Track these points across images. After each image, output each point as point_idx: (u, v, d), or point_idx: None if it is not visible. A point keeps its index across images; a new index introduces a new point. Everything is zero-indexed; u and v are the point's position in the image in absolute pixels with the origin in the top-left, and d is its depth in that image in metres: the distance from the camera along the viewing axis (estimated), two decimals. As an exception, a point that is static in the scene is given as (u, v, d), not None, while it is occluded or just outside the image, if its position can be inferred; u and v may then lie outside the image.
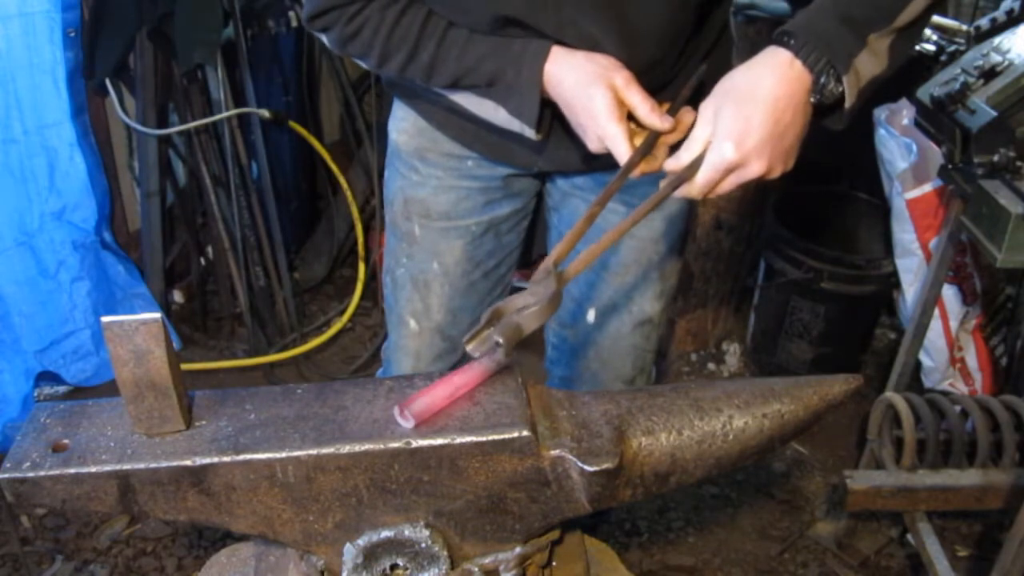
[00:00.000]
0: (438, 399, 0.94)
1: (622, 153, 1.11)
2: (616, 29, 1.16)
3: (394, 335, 1.67)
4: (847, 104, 1.07)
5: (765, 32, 2.47)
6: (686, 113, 1.17)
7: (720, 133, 1.03)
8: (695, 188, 1.06)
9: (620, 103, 1.12)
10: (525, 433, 0.91)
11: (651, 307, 1.58)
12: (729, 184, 1.06)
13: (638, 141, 1.14)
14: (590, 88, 1.12)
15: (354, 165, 3.44)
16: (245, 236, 2.91)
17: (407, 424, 0.92)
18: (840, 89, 1.05)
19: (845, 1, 1.06)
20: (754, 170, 1.04)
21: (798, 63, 1.03)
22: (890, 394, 2.13)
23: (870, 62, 1.07)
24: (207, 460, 0.89)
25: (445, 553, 0.96)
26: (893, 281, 2.60)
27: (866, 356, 2.94)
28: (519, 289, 1.03)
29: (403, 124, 1.50)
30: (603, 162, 1.23)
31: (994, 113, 1.80)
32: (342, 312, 3.17)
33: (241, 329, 3.03)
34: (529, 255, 1.67)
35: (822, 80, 1.04)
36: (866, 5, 1.06)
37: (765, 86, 1.03)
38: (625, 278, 1.54)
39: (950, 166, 1.95)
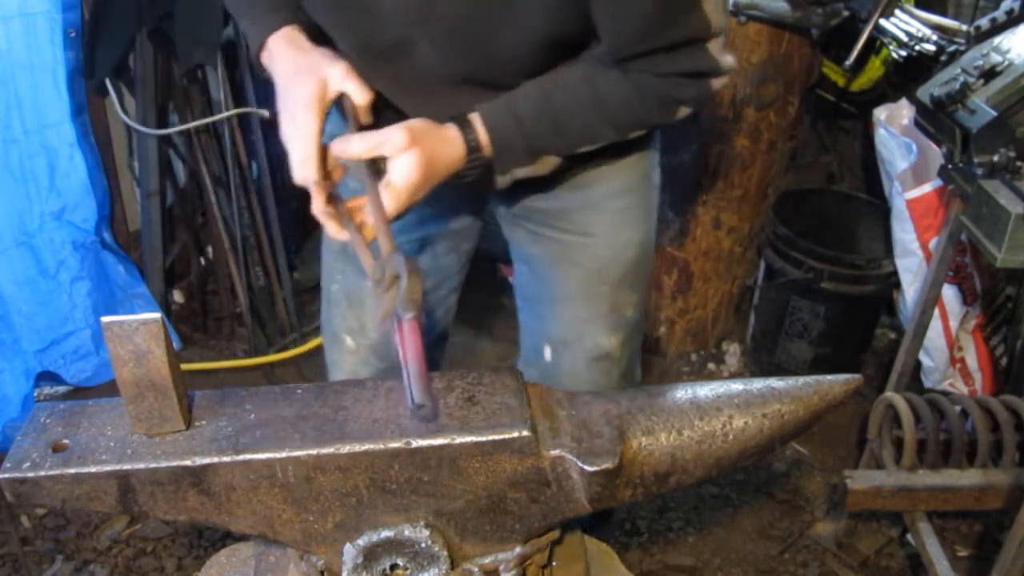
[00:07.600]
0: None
1: (296, 154, 1.07)
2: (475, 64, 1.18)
3: (330, 354, 1.60)
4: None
5: (765, 32, 2.47)
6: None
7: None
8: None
9: (322, 98, 1.09)
10: (525, 433, 0.91)
11: (607, 342, 1.47)
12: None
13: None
14: (304, 76, 1.10)
15: (354, 165, 3.43)
16: (245, 236, 2.91)
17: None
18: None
19: (536, 134, 1.17)
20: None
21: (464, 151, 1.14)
22: (890, 394, 2.13)
23: (528, 169, 1.21)
24: (207, 460, 0.89)
25: (445, 553, 0.96)
26: (893, 281, 2.60)
27: (866, 356, 2.93)
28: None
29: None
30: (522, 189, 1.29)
31: (994, 113, 1.80)
32: (342, 312, 3.16)
33: (241, 329, 3.03)
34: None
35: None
36: (553, 138, 1.18)
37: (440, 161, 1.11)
38: (575, 311, 1.45)
39: (950, 166, 1.95)
